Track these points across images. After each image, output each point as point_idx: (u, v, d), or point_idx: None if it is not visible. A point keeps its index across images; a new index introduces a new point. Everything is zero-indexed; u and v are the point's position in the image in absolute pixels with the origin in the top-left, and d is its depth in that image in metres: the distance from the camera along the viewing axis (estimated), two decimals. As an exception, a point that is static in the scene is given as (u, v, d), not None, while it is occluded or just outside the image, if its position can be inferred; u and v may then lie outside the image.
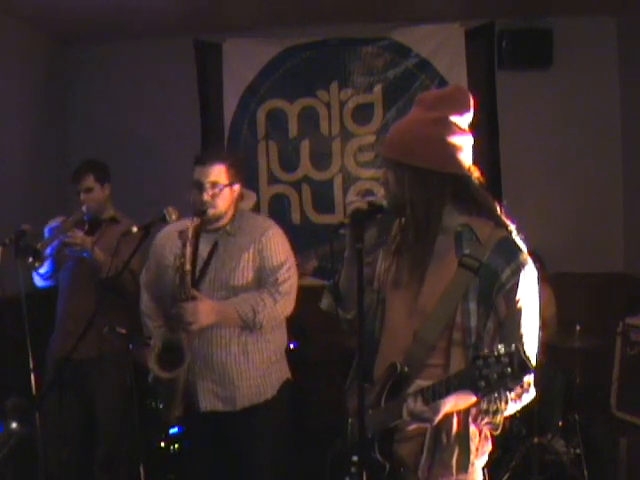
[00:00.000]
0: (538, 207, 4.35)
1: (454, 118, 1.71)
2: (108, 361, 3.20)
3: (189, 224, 2.52)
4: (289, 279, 2.59)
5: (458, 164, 1.68)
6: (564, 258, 4.16)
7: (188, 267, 2.47)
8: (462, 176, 1.69)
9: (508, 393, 1.55)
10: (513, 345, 1.37)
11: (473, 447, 1.69)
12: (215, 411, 2.59)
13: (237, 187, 2.62)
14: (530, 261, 1.65)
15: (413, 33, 4.51)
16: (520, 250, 1.65)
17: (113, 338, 3.09)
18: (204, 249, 2.62)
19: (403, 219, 1.76)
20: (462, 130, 1.72)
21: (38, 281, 3.28)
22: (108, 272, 2.87)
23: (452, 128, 1.70)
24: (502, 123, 4.43)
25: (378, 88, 4.56)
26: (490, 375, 1.37)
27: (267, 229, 2.63)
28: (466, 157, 1.71)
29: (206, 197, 2.51)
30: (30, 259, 2.91)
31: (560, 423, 3.64)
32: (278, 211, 4.57)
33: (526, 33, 4.34)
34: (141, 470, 2.99)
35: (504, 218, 1.73)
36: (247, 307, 2.51)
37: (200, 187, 2.52)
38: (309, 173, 4.69)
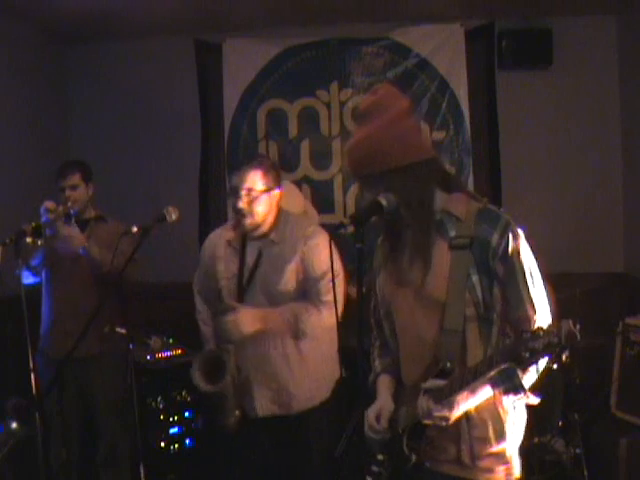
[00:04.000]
0: (538, 207, 4.35)
1: (407, 108, 1.79)
2: (108, 359, 3.20)
3: (231, 233, 2.62)
4: (333, 288, 2.56)
5: (430, 147, 1.82)
6: (564, 258, 4.16)
7: (224, 282, 2.54)
8: (435, 157, 1.80)
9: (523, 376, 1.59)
10: (563, 321, 1.40)
11: (506, 417, 1.75)
12: (272, 416, 2.60)
13: (277, 192, 2.57)
14: (513, 221, 1.71)
15: (413, 33, 4.50)
16: (500, 214, 1.72)
17: (114, 337, 3.10)
18: (250, 258, 2.60)
19: (392, 221, 1.78)
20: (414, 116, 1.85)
21: (27, 277, 3.26)
22: (111, 270, 2.88)
23: (413, 117, 1.82)
24: (502, 123, 4.42)
25: (378, 88, 4.56)
26: (537, 346, 1.40)
27: (310, 237, 2.57)
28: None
29: (241, 204, 2.48)
30: (28, 239, 2.88)
31: (560, 423, 3.64)
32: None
33: (526, 33, 4.34)
34: (141, 470, 2.99)
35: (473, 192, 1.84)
36: (291, 315, 2.51)
37: (235, 193, 2.50)
38: (309, 173, 4.68)
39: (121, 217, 3.40)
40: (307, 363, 2.62)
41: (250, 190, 2.48)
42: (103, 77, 4.73)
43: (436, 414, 1.64)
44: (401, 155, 1.70)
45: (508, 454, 1.77)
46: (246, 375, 2.59)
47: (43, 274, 3.32)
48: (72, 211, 3.16)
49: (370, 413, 1.83)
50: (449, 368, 1.68)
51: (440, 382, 1.65)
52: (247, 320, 2.46)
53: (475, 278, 1.69)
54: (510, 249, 1.67)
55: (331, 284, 2.49)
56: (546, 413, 3.54)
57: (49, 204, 3.01)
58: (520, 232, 1.71)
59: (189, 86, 4.66)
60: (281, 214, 2.62)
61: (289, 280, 2.55)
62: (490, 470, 1.74)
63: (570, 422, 3.60)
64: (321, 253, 2.54)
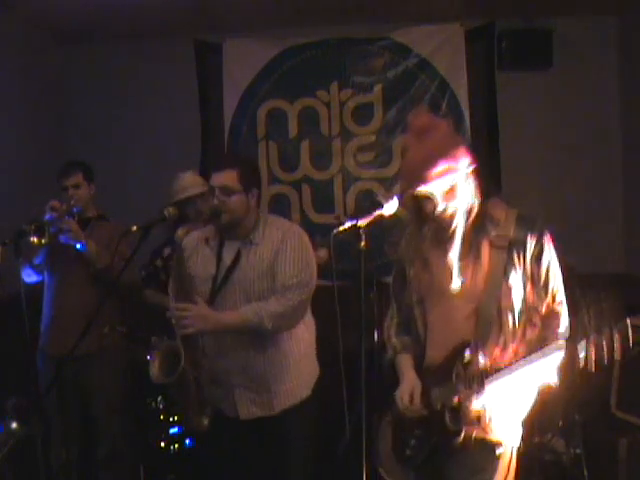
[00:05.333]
0: (538, 207, 4.34)
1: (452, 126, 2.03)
2: (108, 358, 3.21)
3: (208, 232, 2.59)
4: (301, 288, 2.53)
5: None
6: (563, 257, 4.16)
7: (198, 282, 2.52)
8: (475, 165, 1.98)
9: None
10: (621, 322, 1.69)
11: (523, 394, 1.99)
12: (253, 418, 2.60)
13: (255, 192, 2.60)
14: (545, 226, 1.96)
15: (413, 33, 4.51)
16: (536, 220, 1.96)
17: (113, 336, 3.10)
18: (227, 257, 2.59)
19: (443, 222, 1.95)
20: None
21: (28, 275, 3.27)
22: (110, 271, 2.89)
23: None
24: (502, 123, 4.43)
25: (378, 88, 4.57)
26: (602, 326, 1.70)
27: (287, 234, 2.58)
28: None
29: (216, 202, 2.50)
30: (33, 239, 2.89)
31: (560, 423, 3.64)
32: (278, 211, 4.56)
33: (526, 33, 4.35)
34: (141, 470, 2.99)
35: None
36: (251, 313, 2.48)
37: (212, 192, 2.53)
38: (309, 173, 4.68)
39: (120, 217, 3.41)
40: (288, 361, 2.61)
41: (224, 188, 2.51)
42: (103, 77, 4.73)
43: (484, 392, 1.88)
44: (466, 160, 1.91)
45: (518, 424, 2.02)
46: (226, 378, 2.58)
47: (45, 272, 3.33)
48: (75, 209, 3.18)
49: (404, 393, 2.02)
50: (478, 346, 1.91)
51: (485, 361, 1.90)
52: (198, 318, 2.43)
53: (512, 273, 1.92)
54: (545, 253, 1.93)
55: (300, 284, 2.52)
56: (546, 413, 3.54)
57: (54, 203, 3.03)
58: (549, 236, 1.96)
59: (189, 86, 4.66)
60: (260, 216, 2.64)
61: (267, 279, 2.55)
62: (503, 432, 1.98)
63: (570, 422, 3.60)
64: (295, 250, 2.56)
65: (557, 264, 1.98)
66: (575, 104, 4.44)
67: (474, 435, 1.96)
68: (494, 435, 1.98)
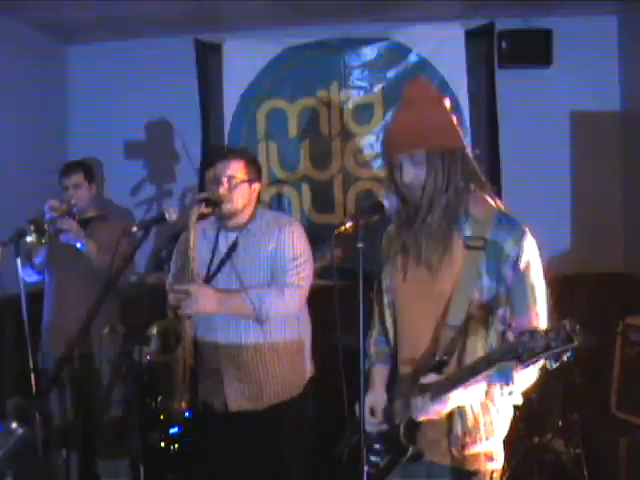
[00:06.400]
0: (538, 207, 4.35)
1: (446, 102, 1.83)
2: (107, 358, 3.21)
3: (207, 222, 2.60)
4: (300, 273, 2.57)
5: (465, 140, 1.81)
6: (564, 258, 4.16)
7: (192, 253, 2.50)
8: (467, 152, 1.80)
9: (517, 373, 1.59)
10: (564, 321, 1.42)
11: (497, 414, 1.81)
12: (241, 411, 2.60)
13: (257, 186, 2.65)
14: (527, 230, 1.75)
15: (413, 33, 4.50)
16: (517, 222, 1.76)
17: (113, 336, 3.10)
18: (223, 245, 2.63)
19: (416, 211, 1.78)
20: None
21: (29, 275, 3.27)
22: (111, 271, 2.88)
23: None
24: (502, 123, 4.43)
25: (378, 88, 4.56)
26: (536, 347, 1.41)
27: (285, 225, 2.62)
28: None
29: (222, 190, 2.52)
30: (33, 239, 2.90)
31: (560, 423, 3.64)
32: (278, 211, 4.57)
33: (526, 33, 4.35)
34: (141, 470, 2.98)
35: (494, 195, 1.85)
36: (253, 296, 2.50)
37: (217, 181, 2.54)
38: (309, 173, 4.68)
39: (120, 217, 3.41)
40: (279, 354, 2.61)
41: (231, 178, 2.54)
42: (103, 77, 4.72)
43: (430, 410, 1.68)
44: (454, 139, 1.76)
45: (495, 450, 1.84)
46: (216, 365, 2.59)
47: (45, 272, 3.34)
48: (75, 209, 3.18)
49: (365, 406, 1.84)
50: (444, 360, 1.72)
51: (435, 377, 1.69)
52: (206, 294, 2.45)
53: (485, 279, 1.72)
54: (522, 258, 1.71)
55: (298, 269, 2.55)
56: (546, 413, 3.54)
57: (53, 202, 3.04)
58: (533, 243, 1.75)
59: (189, 86, 4.66)
60: (258, 209, 2.68)
61: (264, 269, 2.58)
62: (477, 461, 1.80)
63: (570, 422, 3.60)
64: (294, 240, 2.59)
65: (539, 271, 1.75)
66: (575, 104, 4.43)
67: (443, 463, 1.80)
68: (470, 465, 1.80)
